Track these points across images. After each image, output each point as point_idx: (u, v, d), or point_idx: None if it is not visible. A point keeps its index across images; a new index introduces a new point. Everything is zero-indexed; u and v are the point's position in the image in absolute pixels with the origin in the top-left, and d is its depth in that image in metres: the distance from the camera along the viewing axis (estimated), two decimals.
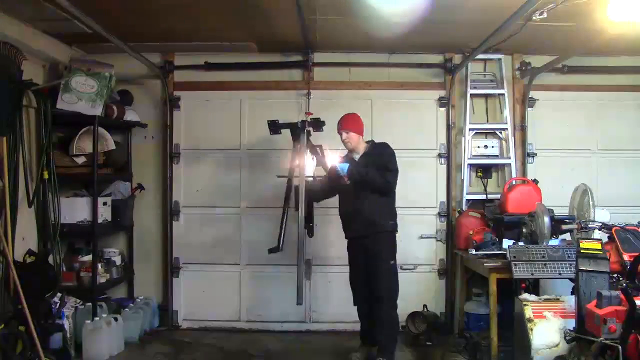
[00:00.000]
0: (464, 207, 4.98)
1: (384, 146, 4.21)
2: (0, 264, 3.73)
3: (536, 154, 5.14)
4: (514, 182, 4.74)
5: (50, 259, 4.28)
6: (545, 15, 3.31)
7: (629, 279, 2.94)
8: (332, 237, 5.04)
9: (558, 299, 3.47)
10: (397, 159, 4.45)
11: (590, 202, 3.85)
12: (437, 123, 5.15)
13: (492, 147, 5.14)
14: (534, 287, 4.27)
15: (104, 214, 4.64)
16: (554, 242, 3.98)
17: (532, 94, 5.12)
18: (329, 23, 4.28)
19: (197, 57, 5.12)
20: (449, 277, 5.08)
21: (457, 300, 4.89)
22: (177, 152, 5.15)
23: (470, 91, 5.09)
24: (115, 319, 4.35)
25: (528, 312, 3.33)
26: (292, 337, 4.92)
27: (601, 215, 3.83)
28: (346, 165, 4.02)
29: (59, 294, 4.18)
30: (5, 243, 3.69)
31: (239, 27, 4.42)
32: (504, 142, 5.13)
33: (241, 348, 4.57)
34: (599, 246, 2.95)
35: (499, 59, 5.12)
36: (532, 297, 3.51)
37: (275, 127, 4.46)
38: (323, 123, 4.44)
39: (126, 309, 4.70)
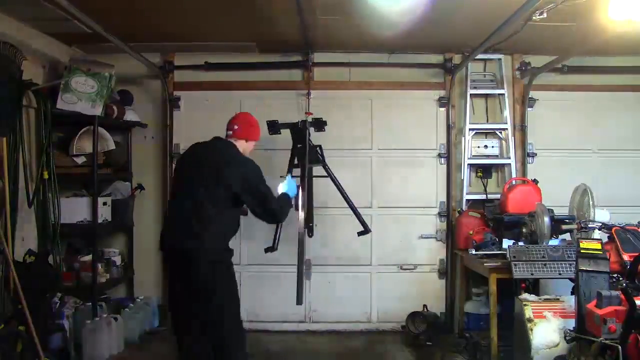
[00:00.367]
0: (464, 207, 4.98)
1: None
2: (0, 264, 3.73)
3: (536, 154, 5.14)
4: (514, 182, 4.74)
5: (50, 259, 4.28)
6: (545, 15, 3.31)
7: (629, 279, 2.94)
8: (332, 237, 5.05)
9: (558, 299, 3.47)
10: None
11: (590, 202, 3.85)
12: (437, 123, 5.15)
13: (492, 147, 5.14)
14: (534, 287, 4.27)
15: (104, 214, 4.64)
16: (554, 242, 3.98)
17: (532, 94, 5.12)
18: (329, 23, 4.28)
19: (197, 57, 5.12)
20: (449, 277, 5.08)
21: (457, 300, 4.90)
22: (177, 152, 5.14)
23: (470, 91, 5.09)
24: (115, 319, 4.35)
25: (528, 312, 3.33)
26: (292, 337, 4.91)
27: (601, 215, 3.83)
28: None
29: (59, 294, 4.18)
30: (5, 243, 3.69)
31: (239, 27, 4.42)
32: (504, 142, 5.13)
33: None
34: (599, 246, 2.95)
35: (499, 59, 5.13)
36: (532, 297, 3.51)
37: (274, 127, 4.46)
38: (325, 123, 4.45)
39: (126, 309, 4.69)
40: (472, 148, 5.10)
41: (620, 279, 3.04)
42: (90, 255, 4.52)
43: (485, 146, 5.14)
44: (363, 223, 4.39)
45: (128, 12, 3.95)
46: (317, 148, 4.48)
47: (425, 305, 4.86)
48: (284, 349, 4.62)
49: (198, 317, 3.09)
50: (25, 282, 3.65)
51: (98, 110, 4.40)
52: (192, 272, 3.03)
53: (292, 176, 3.66)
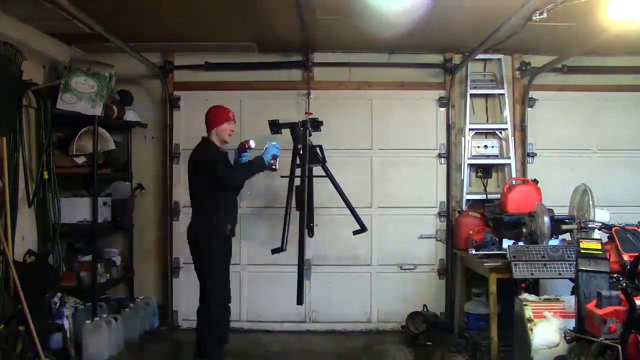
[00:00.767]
0: (464, 207, 4.98)
1: None
2: (0, 264, 3.73)
3: (536, 154, 5.14)
4: (514, 182, 4.74)
5: (50, 259, 4.28)
6: (545, 15, 3.31)
7: (629, 279, 2.93)
8: (332, 237, 5.05)
9: (558, 299, 3.47)
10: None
11: (590, 202, 3.85)
12: (437, 123, 5.15)
13: (492, 147, 5.14)
14: (534, 287, 4.27)
15: (104, 214, 4.64)
16: (554, 242, 3.98)
17: (532, 94, 5.12)
18: (329, 23, 4.28)
19: (197, 57, 5.12)
20: (449, 277, 5.08)
21: (457, 300, 4.90)
22: (177, 152, 5.15)
23: (470, 91, 5.09)
24: (115, 319, 4.35)
25: (528, 312, 3.33)
26: (292, 337, 4.92)
27: (601, 215, 3.83)
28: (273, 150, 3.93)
29: (59, 294, 4.18)
30: (5, 243, 3.69)
31: (239, 27, 4.42)
32: (503, 142, 5.13)
33: (241, 348, 4.57)
34: (599, 246, 2.95)
35: (499, 59, 5.13)
36: (532, 297, 3.51)
37: (276, 126, 4.46)
38: (321, 123, 4.45)
39: (126, 309, 4.69)
40: (472, 148, 5.10)
41: (620, 279, 3.04)
42: (90, 255, 4.52)
43: (485, 146, 5.14)
44: (359, 222, 4.38)
45: (128, 12, 3.95)
46: (318, 148, 4.47)
47: (425, 305, 4.86)
48: (284, 349, 4.62)
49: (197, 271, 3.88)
50: (25, 282, 3.65)
51: (98, 110, 4.41)
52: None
53: (273, 143, 3.97)
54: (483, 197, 5.05)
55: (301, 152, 4.30)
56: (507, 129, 5.07)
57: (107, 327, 4.23)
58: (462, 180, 5.05)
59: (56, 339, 4.00)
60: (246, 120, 5.12)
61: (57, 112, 4.32)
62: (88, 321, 4.18)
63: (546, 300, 3.48)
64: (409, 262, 5.12)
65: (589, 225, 3.59)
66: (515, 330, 3.53)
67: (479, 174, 5.12)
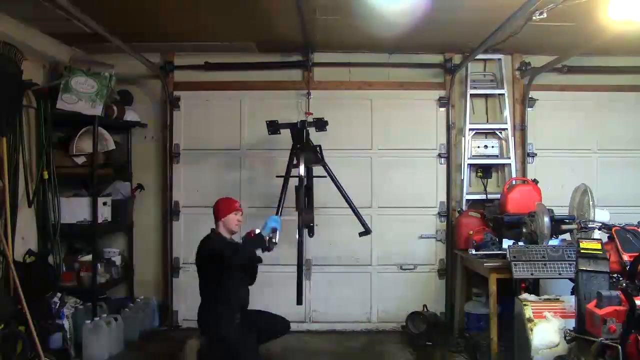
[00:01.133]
0: (464, 207, 4.98)
1: None
2: (0, 264, 3.73)
3: (536, 154, 5.14)
4: (514, 182, 4.74)
5: (50, 259, 4.28)
6: (545, 15, 3.31)
7: (629, 279, 2.94)
8: (332, 237, 5.05)
9: (558, 299, 3.47)
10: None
11: (590, 202, 3.85)
12: (437, 123, 5.15)
13: (492, 147, 5.14)
14: (534, 287, 4.27)
15: (104, 214, 4.64)
16: (554, 242, 3.98)
17: (532, 94, 5.12)
18: (329, 23, 4.28)
19: (197, 57, 5.12)
20: (449, 277, 5.08)
21: (457, 300, 4.89)
22: (177, 152, 5.15)
23: (470, 91, 5.09)
24: (115, 319, 4.35)
25: (528, 312, 3.33)
26: (292, 337, 4.90)
27: (601, 215, 3.83)
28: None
29: (59, 294, 4.18)
30: (5, 243, 3.69)
31: (239, 27, 4.42)
32: (504, 142, 5.13)
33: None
34: (599, 246, 2.95)
35: (499, 59, 5.13)
36: (532, 297, 3.51)
37: (274, 127, 4.46)
38: (326, 123, 4.44)
39: (126, 309, 4.69)
40: (472, 148, 5.10)
41: (620, 279, 3.04)
42: (90, 255, 4.52)
43: (485, 146, 5.14)
44: (364, 224, 4.39)
45: (128, 12, 3.95)
46: (317, 148, 4.47)
47: (425, 305, 4.86)
48: (284, 349, 4.61)
49: None
50: (25, 282, 3.66)
51: (98, 110, 4.41)
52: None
53: (274, 217, 3.83)
54: (483, 197, 5.05)
55: (300, 152, 4.30)
56: (507, 129, 5.07)
57: (107, 327, 4.23)
58: (462, 180, 5.05)
59: (56, 339, 4.00)
60: (246, 121, 5.13)
61: (57, 112, 4.32)
62: (88, 321, 4.18)
63: (546, 300, 3.47)
64: (409, 262, 5.12)
65: (589, 225, 3.59)
66: (515, 330, 3.53)
67: (479, 174, 5.12)
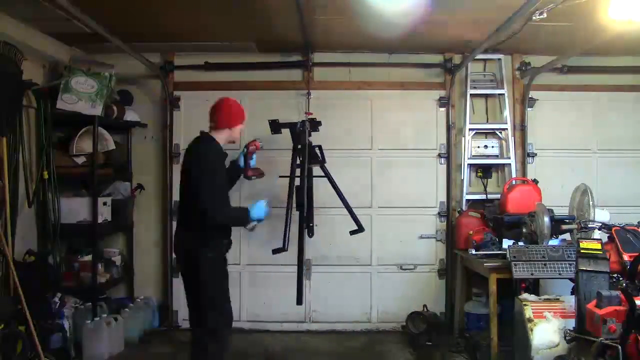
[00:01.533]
0: (464, 207, 4.98)
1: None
2: (0, 264, 3.73)
3: (536, 154, 5.14)
4: (514, 182, 4.74)
5: (50, 259, 4.28)
6: (545, 15, 3.31)
7: (629, 279, 2.94)
8: (332, 237, 5.04)
9: (558, 299, 3.47)
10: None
11: (590, 202, 3.85)
12: (437, 123, 5.15)
13: (492, 147, 5.14)
14: (534, 287, 4.27)
15: (104, 214, 4.64)
16: (554, 242, 3.98)
17: (532, 94, 5.12)
18: (329, 23, 4.28)
19: (197, 57, 5.12)
20: (449, 277, 5.08)
21: (457, 300, 4.89)
22: (177, 152, 5.15)
23: (470, 91, 5.09)
24: (115, 319, 4.36)
25: (528, 312, 3.33)
26: (292, 337, 4.92)
27: (601, 215, 3.83)
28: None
29: (59, 294, 4.18)
30: (5, 243, 3.69)
31: (239, 27, 4.42)
32: (504, 142, 5.13)
33: (241, 348, 4.57)
34: (599, 246, 2.95)
35: (499, 59, 5.13)
36: (532, 297, 3.51)
37: (276, 126, 4.46)
38: (319, 123, 4.45)
39: (126, 309, 4.70)
40: (472, 148, 5.10)
41: (620, 279, 3.04)
42: (90, 255, 4.52)
43: (485, 146, 5.14)
44: (357, 221, 4.38)
45: (128, 12, 3.94)
46: (317, 148, 4.47)
47: (425, 305, 4.86)
48: (284, 349, 4.62)
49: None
50: (25, 282, 3.66)
51: (98, 110, 4.41)
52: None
53: (267, 204, 3.48)
54: (483, 197, 5.05)
55: (301, 152, 4.29)
56: (507, 129, 5.07)
57: (107, 327, 4.23)
58: (462, 180, 5.05)
59: (56, 339, 4.00)
60: (246, 120, 5.11)
61: (57, 112, 4.32)
62: (88, 321, 4.18)
63: (546, 300, 3.48)
64: (409, 262, 5.12)
65: (589, 225, 3.59)
66: (515, 330, 3.53)
67: (479, 174, 5.12)
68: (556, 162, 5.14)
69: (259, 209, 3.38)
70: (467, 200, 5.05)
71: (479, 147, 5.13)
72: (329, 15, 4.07)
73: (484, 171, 5.12)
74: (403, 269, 5.13)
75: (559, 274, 3.70)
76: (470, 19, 4.05)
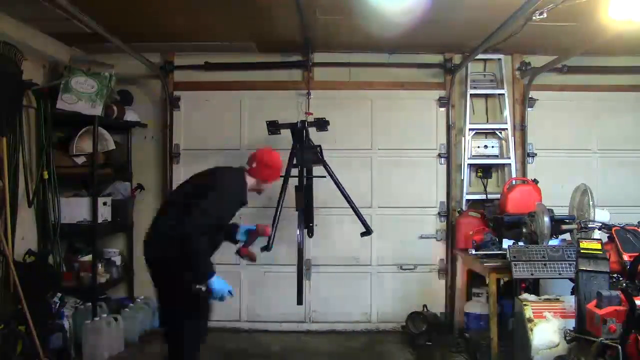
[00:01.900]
0: (464, 207, 4.98)
1: None
2: (0, 264, 3.73)
3: (536, 154, 5.14)
4: (514, 182, 4.74)
5: (50, 259, 4.28)
6: (545, 15, 3.31)
7: (629, 279, 2.94)
8: (332, 237, 5.04)
9: (558, 299, 3.47)
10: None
11: (590, 202, 3.85)
12: (437, 123, 5.15)
13: (492, 147, 5.14)
14: (534, 287, 4.27)
15: (104, 214, 4.64)
16: (554, 242, 3.98)
17: (532, 94, 5.12)
18: (329, 23, 4.28)
19: (197, 57, 5.12)
20: (449, 277, 5.08)
21: (457, 300, 4.89)
22: (177, 152, 5.15)
23: (470, 91, 5.09)
24: (115, 319, 4.35)
25: (528, 312, 3.33)
26: (292, 337, 4.91)
27: (601, 215, 3.83)
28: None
29: (59, 294, 4.18)
30: (5, 243, 3.69)
31: (239, 27, 4.42)
32: (504, 142, 5.13)
33: (241, 348, 4.57)
34: (599, 246, 2.95)
35: (499, 59, 5.13)
36: (532, 297, 3.51)
37: (274, 127, 4.46)
38: (327, 123, 4.44)
39: (126, 309, 4.70)
40: (472, 148, 5.10)
41: (620, 279, 3.04)
42: (90, 255, 4.52)
43: (485, 146, 5.14)
44: (365, 224, 4.39)
45: (128, 12, 3.95)
46: (317, 148, 4.47)
47: (425, 305, 4.86)
48: (284, 349, 4.62)
49: None
50: (25, 282, 3.66)
51: (98, 110, 4.41)
52: None
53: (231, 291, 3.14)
54: (483, 197, 5.05)
55: (301, 152, 4.30)
56: (507, 129, 5.07)
57: (107, 327, 4.23)
58: (462, 180, 5.05)
59: (56, 339, 4.00)
60: (246, 120, 5.13)
61: (57, 112, 4.32)
62: (88, 321, 4.18)
63: (546, 300, 3.47)
64: (409, 262, 5.12)
65: (589, 225, 3.59)
66: (515, 330, 3.53)
67: (479, 174, 5.12)
68: (556, 162, 5.14)
69: (219, 284, 3.01)
70: (467, 200, 5.05)
71: (479, 147, 5.13)
72: (329, 15, 4.07)
73: (484, 171, 5.12)
74: (403, 269, 5.13)
75: (559, 274, 3.70)
76: (470, 19, 4.05)
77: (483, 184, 5.14)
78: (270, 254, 4.28)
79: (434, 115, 5.15)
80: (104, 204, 4.66)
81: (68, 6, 3.32)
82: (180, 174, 5.13)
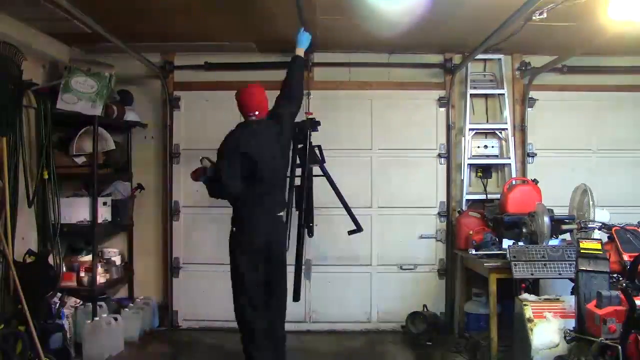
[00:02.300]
0: (464, 207, 4.98)
1: None
2: (0, 264, 3.73)
3: (536, 154, 5.14)
4: (514, 182, 4.74)
5: (50, 259, 4.28)
6: (545, 15, 3.31)
7: (629, 279, 2.94)
8: (332, 237, 5.04)
9: (558, 299, 3.47)
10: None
11: (590, 202, 3.85)
12: (437, 123, 5.15)
13: (492, 147, 5.14)
14: (534, 287, 4.27)
15: (104, 214, 4.64)
16: (554, 242, 3.98)
17: (532, 94, 5.12)
18: (329, 23, 4.28)
19: (197, 57, 5.12)
20: (449, 277, 5.08)
21: (457, 300, 4.89)
22: (177, 152, 5.15)
23: (470, 91, 5.09)
24: (115, 319, 4.35)
25: (528, 312, 3.33)
26: (292, 337, 4.89)
27: (601, 215, 3.83)
28: None
29: (59, 294, 4.18)
30: (5, 243, 3.69)
31: (238, 27, 4.42)
32: (503, 142, 5.13)
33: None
34: (599, 246, 2.96)
35: (499, 59, 5.12)
36: (532, 297, 3.51)
37: None
38: (318, 123, 4.44)
39: (126, 309, 4.70)
40: (472, 148, 5.10)
41: (620, 279, 3.04)
42: (90, 255, 4.52)
43: (485, 146, 5.14)
44: (355, 221, 4.37)
45: (128, 12, 3.94)
46: (317, 148, 4.47)
47: (425, 305, 4.86)
48: None
49: None
50: (25, 282, 3.66)
51: (98, 110, 4.41)
52: None
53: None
54: (483, 197, 5.05)
55: (301, 152, 4.29)
56: (507, 129, 5.07)
57: (107, 327, 4.23)
58: (462, 180, 5.05)
59: (56, 339, 3.98)
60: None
61: (57, 112, 4.32)
62: (88, 321, 4.18)
63: (546, 300, 3.48)
64: (409, 262, 5.12)
65: (589, 225, 3.60)
66: (515, 330, 3.53)
67: (479, 174, 5.11)
68: (556, 162, 5.13)
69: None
70: (467, 200, 5.05)
71: (479, 147, 5.13)
72: (329, 15, 4.07)
73: (484, 171, 5.12)
74: (403, 269, 5.13)
75: (559, 274, 3.71)
76: (470, 19, 4.04)
77: (483, 184, 5.14)
78: None
79: (434, 115, 5.15)
80: (104, 204, 4.66)
81: (68, 6, 3.32)
82: (180, 174, 5.15)
